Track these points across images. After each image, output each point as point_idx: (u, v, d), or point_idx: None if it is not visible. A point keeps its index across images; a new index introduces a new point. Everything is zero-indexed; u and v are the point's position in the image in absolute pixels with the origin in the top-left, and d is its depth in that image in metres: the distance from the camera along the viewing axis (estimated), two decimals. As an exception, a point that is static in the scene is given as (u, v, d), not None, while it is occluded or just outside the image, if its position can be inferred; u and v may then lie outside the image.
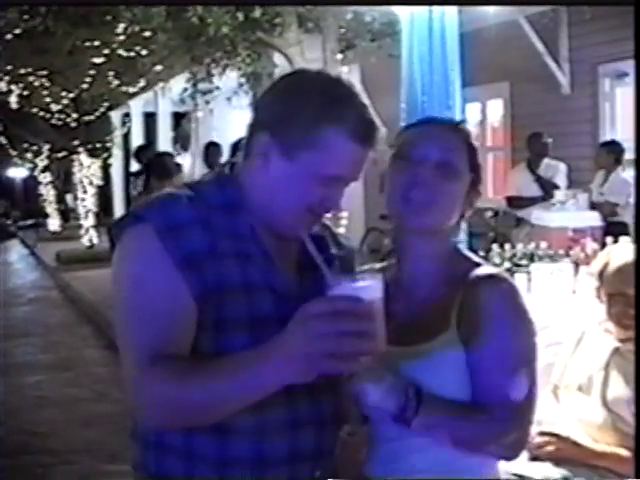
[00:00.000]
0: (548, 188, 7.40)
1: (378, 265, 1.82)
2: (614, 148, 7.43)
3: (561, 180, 7.69)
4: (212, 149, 8.93)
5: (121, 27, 9.57)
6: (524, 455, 2.49)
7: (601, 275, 2.63)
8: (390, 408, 1.51)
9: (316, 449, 1.56)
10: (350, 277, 1.33)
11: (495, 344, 1.57)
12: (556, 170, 7.73)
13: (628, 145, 7.46)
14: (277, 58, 8.80)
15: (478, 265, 1.67)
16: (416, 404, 1.51)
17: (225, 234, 1.51)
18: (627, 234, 5.06)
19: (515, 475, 2.28)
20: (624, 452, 2.36)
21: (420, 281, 1.68)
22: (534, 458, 2.48)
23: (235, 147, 8.28)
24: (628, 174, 7.31)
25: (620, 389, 2.46)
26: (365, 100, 1.55)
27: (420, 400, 1.51)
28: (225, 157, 8.64)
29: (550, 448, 2.44)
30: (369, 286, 1.30)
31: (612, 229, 6.02)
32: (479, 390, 1.58)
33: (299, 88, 1.55)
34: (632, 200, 6.84)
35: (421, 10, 4.22)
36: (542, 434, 2.46)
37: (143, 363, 1.41)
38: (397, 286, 1.70)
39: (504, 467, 2.20)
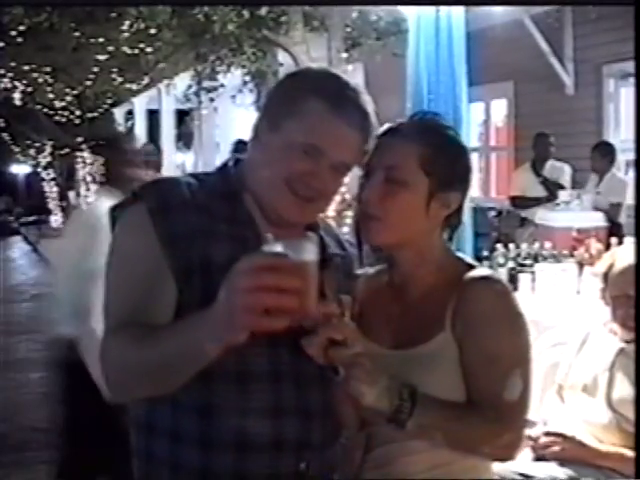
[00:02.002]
0: (553, 189, 7.39)
1: (372, 270, 1.81)
2: (607, 150, 7.41)
3: (566, 182, 7.67)
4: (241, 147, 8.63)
5: (126, 24, 9.55)
6: (529, 455, 2.50)
7: (606, 277, 2.63)
8: (385, 409, 1.50)
9: (301, 440, 1.55)
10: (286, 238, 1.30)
11: (488, 345, 1.57)
12: (561, 172, 7.71)
13: (631, 145, 7.45)
14: (282, 56, 8.80)
15: (471, 267, 1.67)
16: (411, 405, 1.50)
17: (221, 219, 1.54)
18: (622, 234, 5.06)
19: (521, 475, 2.28)
20: (629, 452, 2.36)
21: (413, 284, 1.68)
22: (538, 458, 2.48)
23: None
24: (631, 176, 7.30)
25: (625, 390, 2.46)
26: (366, 97, 1.56)
27: (415, 401, 1.51)
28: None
29: (556, 448, 2.44)
30: (299, 246, 1.29)
31: (610, 229, 6.02)
32: (473, 391, 1.58)
33: (295, 75, 1.64)
34: (628, 201, 6.83)
35: (428, 9, 4.22)
36: (548, 434, 2.47)
37: (110, 330, 1.50)
38: (392, 288, 1.71)
39: (509, 467, 2.22)
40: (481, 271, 1.66)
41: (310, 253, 1.30)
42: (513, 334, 1.61)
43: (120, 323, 1.48)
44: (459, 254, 1.73)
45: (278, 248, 1.27)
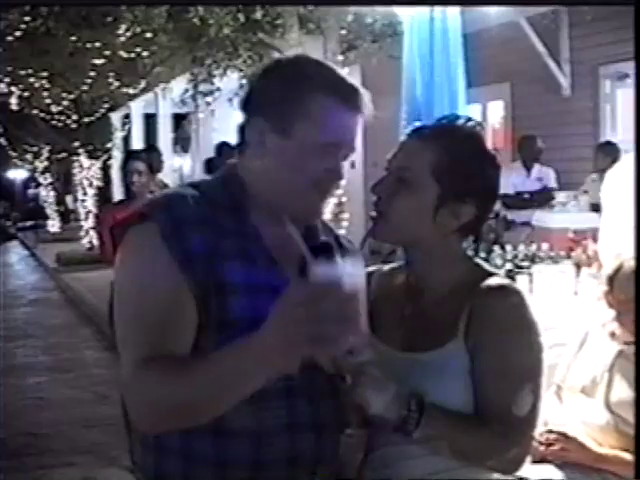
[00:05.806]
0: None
1: (386, 267, 1.80)
2: (611, 149, 7.36)
3: (552, 185, 7.69)
4: (225, 150, 8.48)
5: (122, 28, 9.54)
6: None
7: (611, 280, 2.58)
8: (392, 418, 1.50)
9: (315, 454, 1.55)
10: (331, 262, 1.30)
11: (501, 358, 1.56)
12: (547, 176, 7.74)
13: (628, 147, 7.44)
14: (278, 59, 8.79)
15: (490, 274, 1.65)
16: (418, 416, 1.50)
17: (228, 233, 1.51)
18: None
19: (517, 477, 2.27)
20: (628, 456, 2.34)
21: (428, 286, 1.67)
22: (536, 460, 2.47)
23: (219, 150, 8.17)
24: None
25: (624, 392, 2.45)
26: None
27: (422, 412, 1.50)
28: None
29: (557, 447, 2.43)
30: (350, 269, 1.28)
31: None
32: (482, 403, 1.57)
33: (287, 72, 1.59)
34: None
35: (423, 11, 4.22)
36: (550, 432, 2.45)
37: (137, 364, 1.42)
38: (407, 289, 1.70)
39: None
40: (498, 280, 1.64)
41: (359, 274, 1.32)
42: (527, 348, 1.60)
43: (146, 356, 1.42)
44: (478, 260, 1.71)
45: (330, 273, 1.25)
